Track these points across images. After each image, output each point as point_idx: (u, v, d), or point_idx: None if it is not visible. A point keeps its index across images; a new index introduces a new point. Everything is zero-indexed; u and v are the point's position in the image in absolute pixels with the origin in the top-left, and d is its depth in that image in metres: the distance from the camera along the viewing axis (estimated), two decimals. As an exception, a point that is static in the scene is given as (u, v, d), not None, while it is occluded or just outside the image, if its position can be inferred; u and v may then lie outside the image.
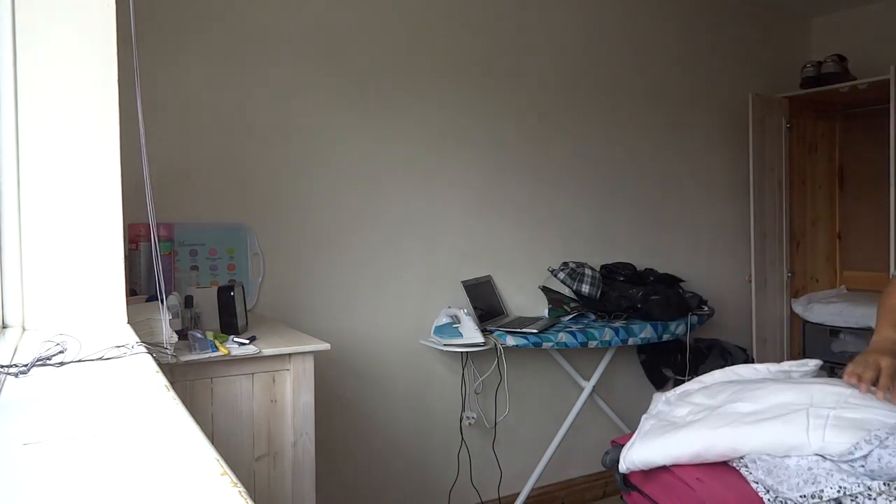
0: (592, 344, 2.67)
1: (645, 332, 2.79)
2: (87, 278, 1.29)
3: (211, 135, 2.28)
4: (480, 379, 2.79)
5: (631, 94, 3.30)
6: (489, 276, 2.88)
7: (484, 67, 2.85)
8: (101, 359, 1.02)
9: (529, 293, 2.99)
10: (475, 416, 2.79)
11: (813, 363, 1.73)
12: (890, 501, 1.22)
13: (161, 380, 0.94)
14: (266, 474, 1.69)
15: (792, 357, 3.65)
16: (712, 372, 1.85)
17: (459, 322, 2.47)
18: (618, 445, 1.74)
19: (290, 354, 1.71)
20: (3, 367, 0.92)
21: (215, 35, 2.29)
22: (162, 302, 1.39)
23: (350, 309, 2.55)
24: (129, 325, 1.32)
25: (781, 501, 1.31)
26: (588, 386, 2.96)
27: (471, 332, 2.46)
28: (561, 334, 2.61)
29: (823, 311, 3.54)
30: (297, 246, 2.44)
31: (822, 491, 1.27)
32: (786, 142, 3.69)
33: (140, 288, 1.95)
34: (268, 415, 1.69)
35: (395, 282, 2.65)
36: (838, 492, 1.26)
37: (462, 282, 2.71)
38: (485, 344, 2.49)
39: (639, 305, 2.86)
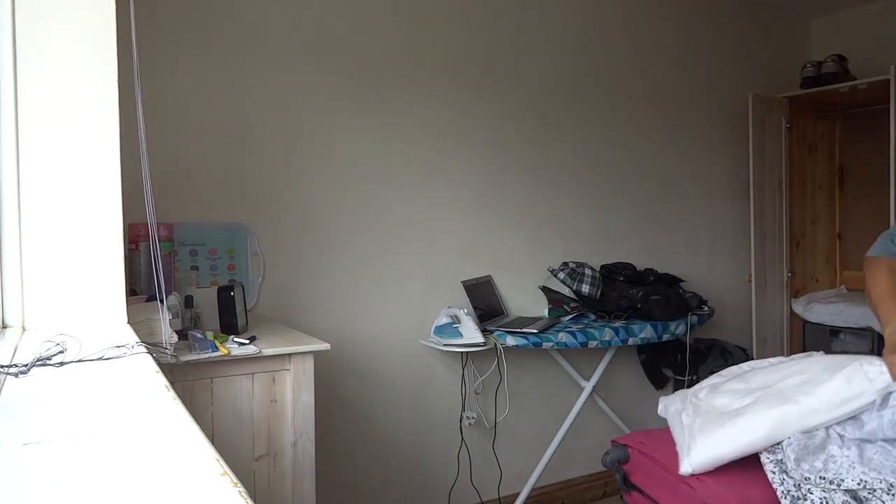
0: (592, 344, 2.67)
1: (645, 332, 2.79)
2: (87, 278, 1.29)
3: (211, 135, 2.29)
4: (480, 379, 2.79)
5: (631, 94, 3.30)
6: (489, 276, 2.88)
7: (484, 67, 2.85)
8: (101, 359, 1.02)
9: (529, 293, 2.99)
10: (475, 416, 2.79)
11: (818, 355, 1.71)
12: None
13: (161, 380, 0.94)
14: (266, 474, 1.69)
15: (792, 357, 3.65)
16: (724, 370, 1.84)
17: (459, 322, 2.47)
18: (618, 445, 1.74)
19: (290, 354, 1.71)
20: (3, 367, 0.92)
21: (215, 35, 2.29)
22: (162, 302, 1.39)
23: (350, 309, 2.55)
24: (129, 325, 1.32)
25: (795, 485, 1.32)
26: (588, 386, 2.96)
27: (471, 332, 2.46)
28: (561, 334, 2.61)
29: (823, 311, 3.54)
30: (297, 246, 2.44)
31: (842, 480, 1.29)
32: (786, 142, 3.69)
33: (140, 288, 1.95)
34: (268, 415, 1.69)
35: (395, 282, 2.65)
36: (858, 484, 1.27)
37: (462, 282, 2.71)
38: (485, 344, 2.49)
39: (639, 305, 2.86)
